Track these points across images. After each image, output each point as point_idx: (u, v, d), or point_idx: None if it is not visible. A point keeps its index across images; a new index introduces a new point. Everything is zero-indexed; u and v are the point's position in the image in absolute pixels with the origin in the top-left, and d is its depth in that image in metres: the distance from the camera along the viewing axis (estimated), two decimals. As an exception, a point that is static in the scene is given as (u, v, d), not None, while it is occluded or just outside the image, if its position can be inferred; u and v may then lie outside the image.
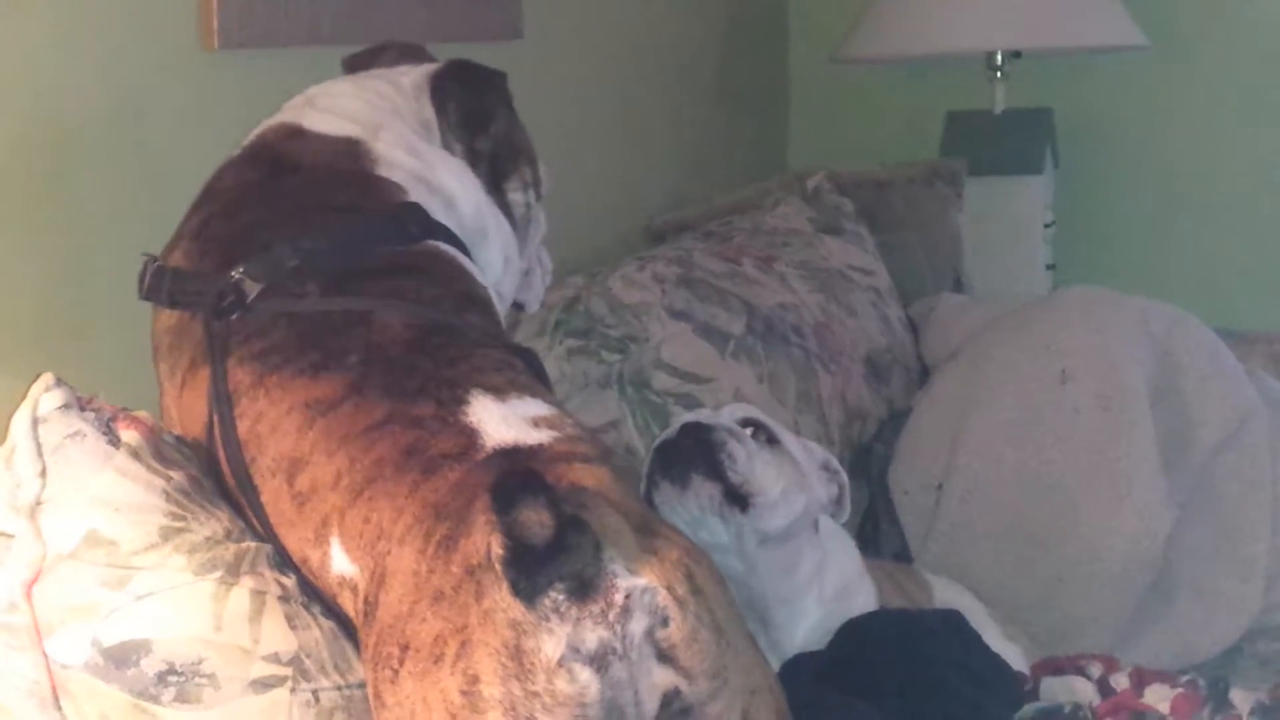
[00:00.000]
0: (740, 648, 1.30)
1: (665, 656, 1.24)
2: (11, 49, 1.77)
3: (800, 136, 3.91)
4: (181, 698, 1.40)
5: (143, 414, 1.53)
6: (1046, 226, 3.54)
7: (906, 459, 2.65)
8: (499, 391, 1.40)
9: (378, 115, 1.71)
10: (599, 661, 1.22)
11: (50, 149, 1.83)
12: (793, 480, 1.94)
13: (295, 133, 1.68)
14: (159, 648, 1.40)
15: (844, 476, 2.06)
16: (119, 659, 1.40)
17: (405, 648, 1.26)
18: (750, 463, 1.90)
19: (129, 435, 1.47)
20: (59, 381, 1.48)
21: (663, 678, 1.25)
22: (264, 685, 1.41)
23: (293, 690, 1.42)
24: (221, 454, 1.48)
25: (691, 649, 1.25)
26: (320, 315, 1.48)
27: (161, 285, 1.58)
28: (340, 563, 1.38)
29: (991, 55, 3.52)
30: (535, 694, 1.21)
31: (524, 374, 1.47)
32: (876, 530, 2.63)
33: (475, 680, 1.22)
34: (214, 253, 1.57)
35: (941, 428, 2.62)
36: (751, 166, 3.64)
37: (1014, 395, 2.57)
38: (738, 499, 1.89)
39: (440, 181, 1.68)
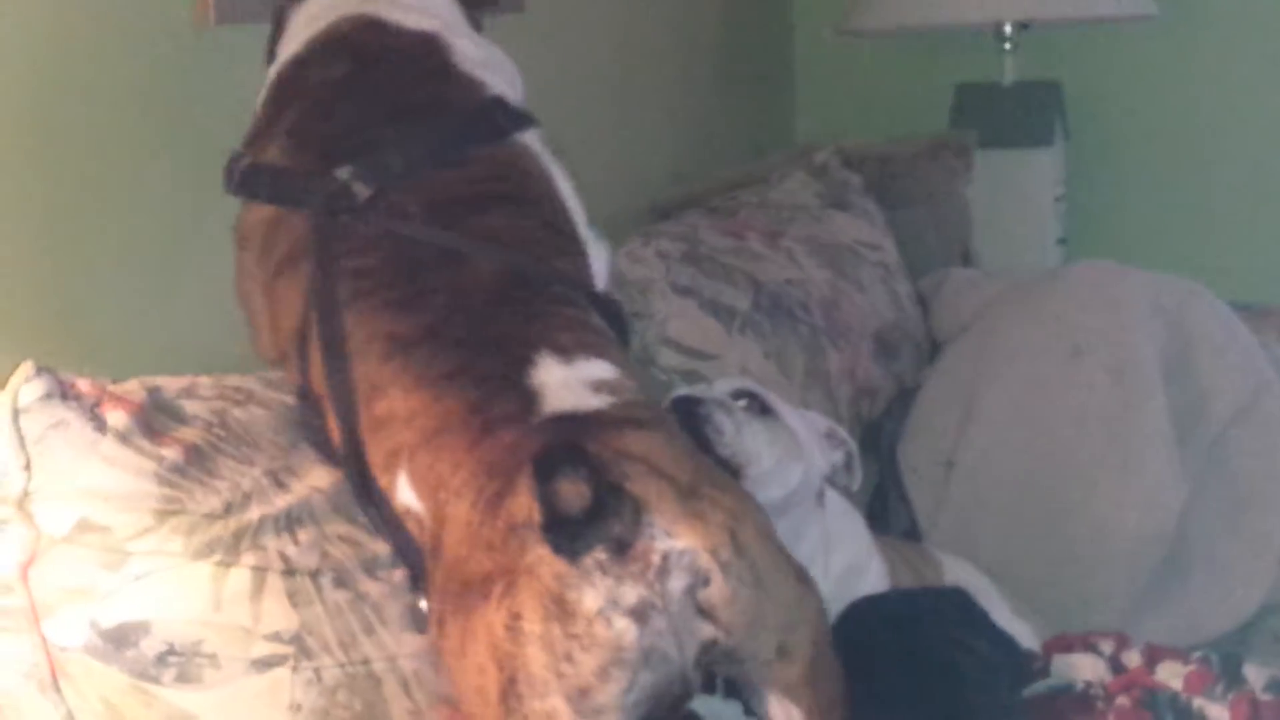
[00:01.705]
0: (782, 590, 1.39)
1: (706, 613, 1.34)
2: (2, 26, 1.74)
3: (807, 110, 3.89)
4: (182, 678, 1.40)
5: (131, 386, 1.50)
6: (1057, 200, 3.52)
7: (916, 436, 2.63)
8: (566, 353, 1.46)
9: (441, 4, 1.74)
10: (638, 614, 1.31)
11: (42, 125, 1.81)
12: (788, 450, 1.93)
13: (372, 24, 1.70)
14: (158, 628, 1.40)
15: (852, 445, 2.05)
16: (118, 640, 1.39)
17: (464, 585, 1.36)
18: (739, 434, 1.89)
19: (115, 417, 1.45)
20: (39, 371, 1.46)
21: (703, 630, 1.35)
22: (265, 664, 1.41)
23: (294, 669, 1.42)
24: (314, 353, 1.51)
25: (731, 607, 1.35)
26: (418, 246, 1.53)
27: (259, 182, 1.62)
28: (406, 495, 1.45)
29: (1000, 26, 3.49)
30: (575, 635, 1.30)
31: (596, 331, 1.52)
32: (885, 507, 2.62)
33: (518, 617, 1.31)
34: (314, 150, 1.60)
35: (951, 404, 2.61)
36: (758, 141, 3.62)
37: (1025, 370, 2.55)
38: (729, 471, 1.87)
39: (491, 56, 1.72)
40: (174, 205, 1.97)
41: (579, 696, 1.30)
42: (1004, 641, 1.98)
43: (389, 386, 1.46)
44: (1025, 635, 2.11)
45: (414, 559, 1.46)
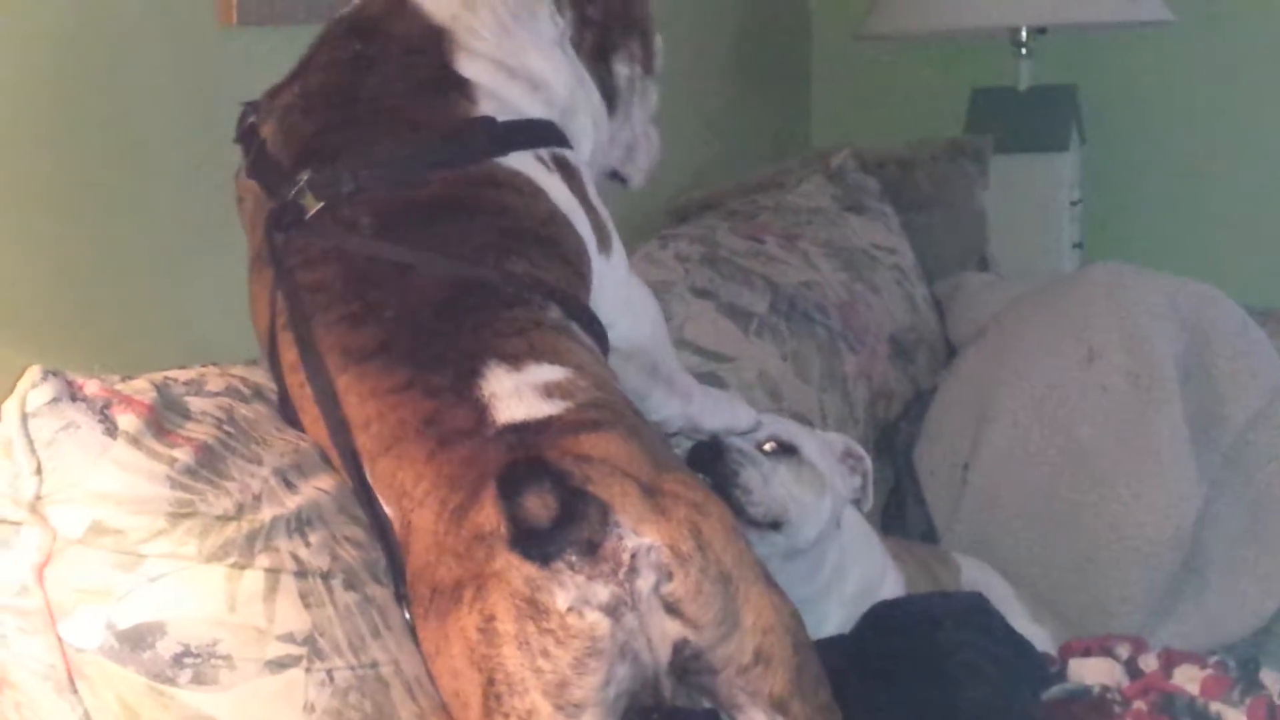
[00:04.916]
0: (752, 592, 1.38)
1: (672, 609, 1.34)
2: (26, 24, 1.75)
3: (824, 114, 3.89)
4: (198, 679, 1.40)
5: (140, 384, 1.50)
6: (1073, 204, 3.51)
7: (932, 438, 2.63)
8: (515, 360, 1.45)
9: None
10: (610, 609, 1.32)
11: (61, 121, 1.81)
12: (815, 490, 1.93)
13: (396, 4, 1.66)
14: (174, 629, 1.39)
15: (868, 463, 2.04)
16: (134, 641, 1.39)
17: (434, 590, 1.37)
18: (768, 487, 1.88)
19: (126, 420, 1.44)
20: (46, 375, 1.44)
21: (672, 628, 1.34)
22: (279, 665, 1.41)
23: (308, 670, 1.42)
24: (284, 358, 1.53)
25: (696, 601, 1.34)
26: (367, 260, 1.52)
27: (250, 148, 1.63)
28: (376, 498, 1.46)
29: (1016, 31, 3.48)
30: (549, 630, 1.31)
31: (549, 330, 1.50)
32: (903, 510, 2.62)
33: (491, 619, 1.32)
34: (290, 146, 1.60)
35: (968, 406, 2.60)
36: (775, 144, 3.62)
37: (1041, 373, 2.55)
38: (766, 528, 1.88)
39: (525, 63, 1.66)
40: (191, 203, 1.98)
41: (557, 691, 1.30)
42: (1022, 644, 1.98)
43: (345, 395, 1.47)
44: (1042, 640, 2.10)
45: (401, 559, 1.45)
